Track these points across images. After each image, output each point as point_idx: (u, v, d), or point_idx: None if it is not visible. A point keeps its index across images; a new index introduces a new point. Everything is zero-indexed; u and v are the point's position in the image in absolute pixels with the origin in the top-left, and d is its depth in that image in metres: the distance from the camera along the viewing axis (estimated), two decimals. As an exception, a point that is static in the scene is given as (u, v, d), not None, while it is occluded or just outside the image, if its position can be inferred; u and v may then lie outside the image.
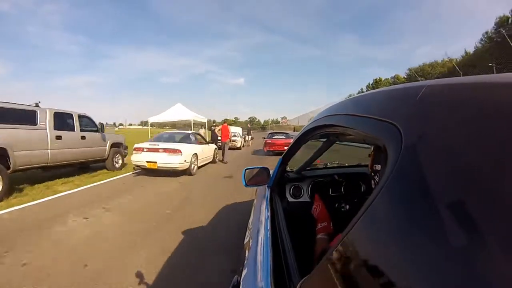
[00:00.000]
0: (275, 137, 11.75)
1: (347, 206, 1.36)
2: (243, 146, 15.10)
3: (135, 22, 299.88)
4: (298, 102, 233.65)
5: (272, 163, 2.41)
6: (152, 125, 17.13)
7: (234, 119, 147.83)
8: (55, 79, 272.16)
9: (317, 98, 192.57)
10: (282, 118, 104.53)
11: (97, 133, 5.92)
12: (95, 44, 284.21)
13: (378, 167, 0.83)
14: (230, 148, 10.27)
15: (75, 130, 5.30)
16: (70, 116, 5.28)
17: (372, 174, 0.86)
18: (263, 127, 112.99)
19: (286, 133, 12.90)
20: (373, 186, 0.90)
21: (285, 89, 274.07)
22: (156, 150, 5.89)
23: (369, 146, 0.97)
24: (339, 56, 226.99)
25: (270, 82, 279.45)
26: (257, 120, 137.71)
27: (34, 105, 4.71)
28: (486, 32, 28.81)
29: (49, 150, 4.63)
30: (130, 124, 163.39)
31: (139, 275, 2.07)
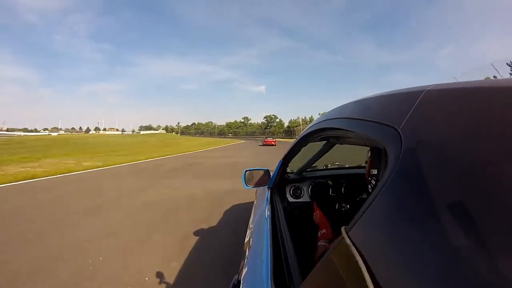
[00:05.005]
0: (267, 139, 29.28)
1: (348, 206, 1.37)
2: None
3: (155, 30, 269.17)
4: (338, 93, 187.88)
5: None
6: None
7: (242, 120, 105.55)
8: (78, 86, 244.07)
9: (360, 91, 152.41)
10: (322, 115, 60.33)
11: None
12: (113, 52, 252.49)
13: (375, 171, 0.83)
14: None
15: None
16: None
17: (369, 179, 0.87)
18: (289, 130, 69.13)
19: (272, 137, 48.46)
20: (370, 191, 0.90)
21: (317, 85, 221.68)
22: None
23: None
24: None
25: (300, 77, 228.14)
26: (277, 120, 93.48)
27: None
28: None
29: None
30: (105, 129, 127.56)
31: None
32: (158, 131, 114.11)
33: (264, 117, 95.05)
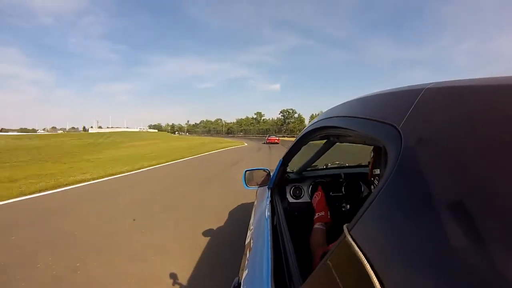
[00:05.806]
0: (270, 137, 30.01)
1: (348, 206, 1.37)
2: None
3: (169, 30, 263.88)
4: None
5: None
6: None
7: (255, 117, 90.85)
8: (89, 85, 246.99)
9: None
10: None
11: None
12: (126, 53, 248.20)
13: (377, 171, 0.83)
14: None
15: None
16: None
17: (372, 179, 0.86)
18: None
19: (275, 135, 39.34)
20: (372, 191, 0.92)
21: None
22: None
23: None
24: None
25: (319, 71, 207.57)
26: (296, 115, 77.64)
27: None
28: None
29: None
30: (108, 128, 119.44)
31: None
32: (145, 129, 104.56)
33: (280, 112, 79.54)
